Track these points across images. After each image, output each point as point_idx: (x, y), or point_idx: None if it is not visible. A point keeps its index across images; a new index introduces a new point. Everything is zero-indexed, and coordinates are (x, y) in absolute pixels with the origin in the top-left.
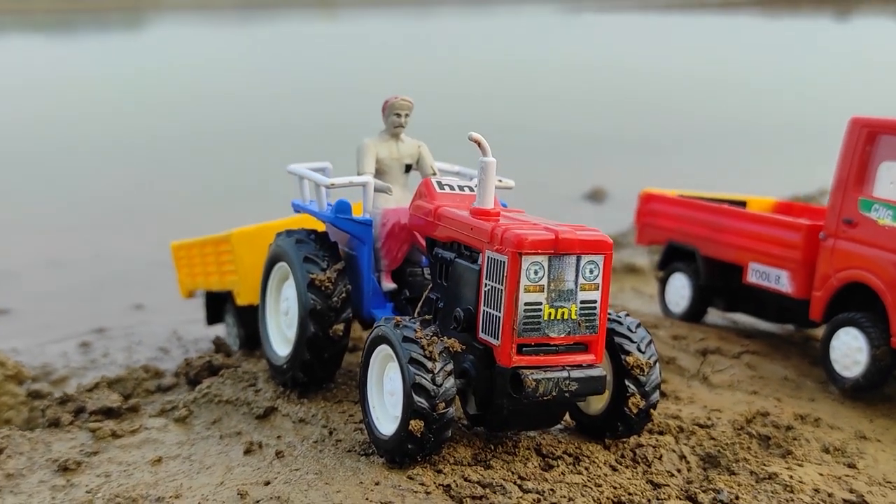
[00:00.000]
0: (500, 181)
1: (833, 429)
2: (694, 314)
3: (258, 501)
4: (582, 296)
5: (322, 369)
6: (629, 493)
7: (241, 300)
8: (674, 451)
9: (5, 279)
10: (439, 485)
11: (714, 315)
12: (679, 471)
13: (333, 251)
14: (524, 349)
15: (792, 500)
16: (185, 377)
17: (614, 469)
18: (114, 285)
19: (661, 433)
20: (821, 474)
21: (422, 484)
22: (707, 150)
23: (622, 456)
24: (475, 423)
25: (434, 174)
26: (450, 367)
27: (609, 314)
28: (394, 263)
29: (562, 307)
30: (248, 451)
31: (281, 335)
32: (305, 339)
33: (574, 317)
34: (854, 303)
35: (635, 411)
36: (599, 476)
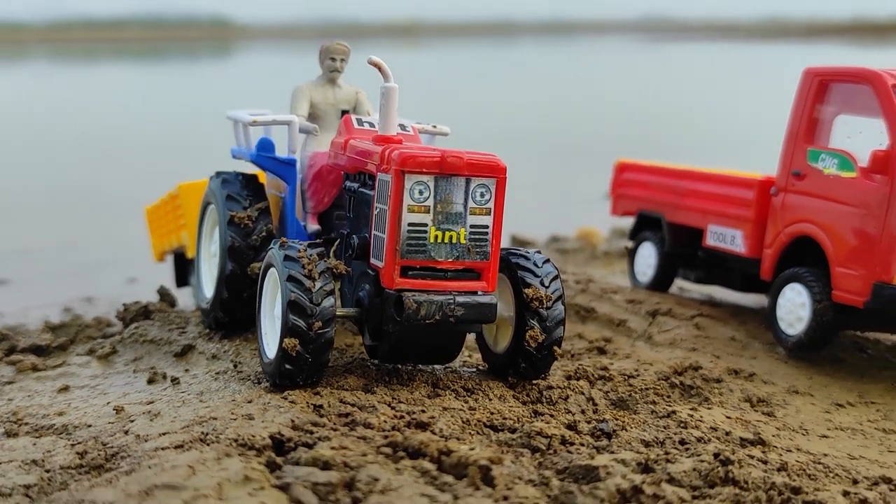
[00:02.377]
0: (435, 126)
1: (766, 384)
2: (660, 283)
3: (131, 415)
4: (472, 220)
5: (241, 309)
6: (503, 418)
7: (190, 253)
8: (583, 394)
9: (17, 255)
10: (310, 403)
11: (685, 287)
12: (583, 411)
13: (258, 192)
14: (409, 272)
15: (680, 434)
16: (121, 321)
17: (503, 401)
18: (114, 264)
19: (577, 378)
20: (728, 417)
21: (292, 402)
22: None
23: (523, 393)
24: (371, 355)
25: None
26: (330, 286)
27: (517, 249)
28: (319, 206)
29: (449, 230)
30: (150, 381)
31: (210, 278)
32: (224, 276)
33: (463, 241)
34: (806, 261)
35: (534, 345)
36: (482, 405)
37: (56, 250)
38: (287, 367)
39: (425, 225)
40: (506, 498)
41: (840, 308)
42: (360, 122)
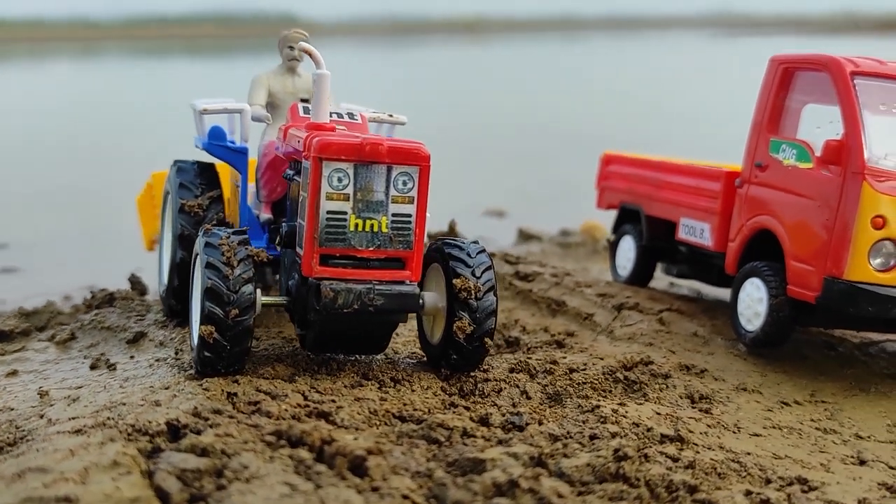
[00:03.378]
0: (391, 115)
1: (716, 380)
2: (638, 278)
3: (52, 400)
4: (394, 208)
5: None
6: (414, 409)
7: (146, 244)
8: (518, 387)
9: (29, 246)
10: (224, 391)
11: (676, 282)
12: (514, 404)
13: (213, 180)
14: (330, 261)
15: (595, 429)
16: (87, 307)
17: (429, 392)
18: (132, 257)
19: (519, 371)
20: (658, 413)
21: (205, 389)
22: None
23: (452, 385)
24: (302, 345)
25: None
26: (249, 274)
27: (452, 239)
28: (272, 195)
29: (370, 219)
30: (92, 367)
31: (167, 266)
32: (175, 264)
33: (385, 230)
34: (768, 255)
35: (462, 336)
36: (398, 396)
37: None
38: (206, 354)
39: (344, 213)
40: (375, 489)
41: (797, 304)
42: (306, 109)
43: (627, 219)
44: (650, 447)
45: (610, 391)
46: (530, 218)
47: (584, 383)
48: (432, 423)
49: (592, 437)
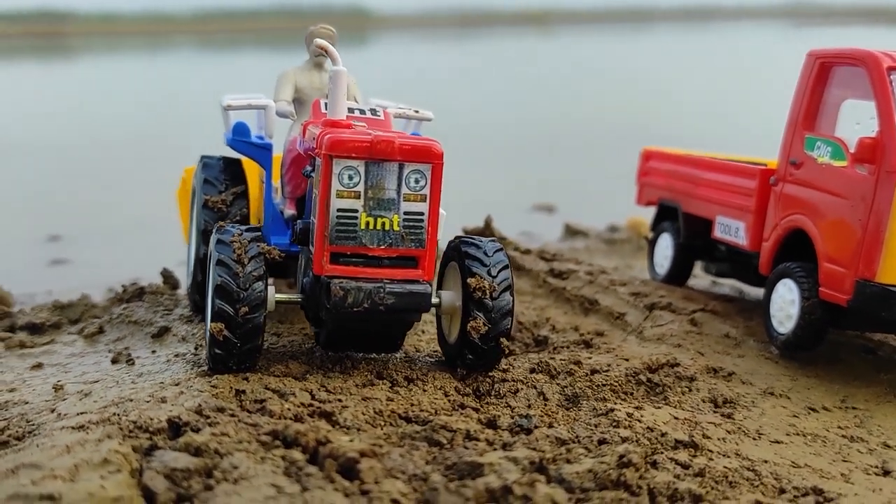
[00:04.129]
0: (417, 111)
1: (744, 384)
2: (676, 276)
3: (66, 394)
4: (406, 206)
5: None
6: (421, 410)
7: (185, 238)
8: (535, 388)
9: (83, 238)
10: (233, 388)
11: (719, 282)
12: (530, 406)
13: (238, 176)
14: (340, 259)
15: (606, 433)
16: (117, 301)
17: (442, 392)
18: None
19: (539, 372)
20: (676, 418)
21: (214, 386)
22: None
23: (469, 385)
24: (317, 342)
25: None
26: (260, 271)
27: (470, 237)
28: (297, 191)
29: (382, 217)
30: (114, 361)
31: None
32: (198, 259)
33: (396, 228)
34: (803, 256)
35: (476, 336)
36: (408, 396)
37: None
38: (217, 351)
39: (355, 211)
40: (365, 492)
41: (830, 307)
42: (328, 106)
43: (666, 216)
44: (661, 453)
45: (631, 394)
46: (579, 213)
47: (604, 385)
48: (436, 425)
49: (601, 442)
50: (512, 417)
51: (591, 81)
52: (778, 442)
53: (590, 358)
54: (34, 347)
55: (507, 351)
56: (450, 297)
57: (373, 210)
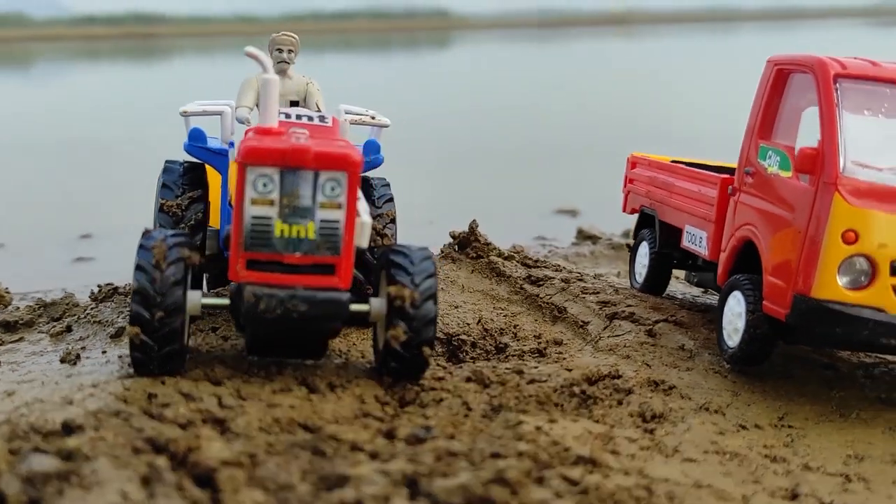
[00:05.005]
0: (374, 118)
1: (682, 398)
2: (653, 285)
3: None
4: (321, 214)
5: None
6: (320, 418)
7: None
8: (461, 398)
9: (112, 237)
10: (147, 392)
11: (697, 291)
12: (454, 414)
13: (197, 181)
14: (256, 265)
15: (504, 446)
16: (92, 300)
17: (360, 401)
18: None
19: (473, 381)
20: (589, 432)
21: (127, 389)
22: None
23: (395, 394)
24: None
25: (318, 111)
26: (178, 277)
27: (401, 246)
28: None
29: (297, 224)
30: (62, 360)
31: None
32: None
33: (312, 236)
34: (756, 268)
35: (395, 345)
36: (318, 404)
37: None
38: (136, 355)
39: (269, 218)
40: (216, 501)
41: (775, 321)
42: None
43: (645, 224)
44: (554, 469)
45: (560, 406)
46: (601, 218)
47: (531, 396)
48: (324, 435)
49: (494, 456)
50: (413, 429)
51: (664, 84)
52: (691, 460)
53: (535, 367)
54: (2, 345)
55: (430, 360)
56: (379, 304)
57: (288, 217)
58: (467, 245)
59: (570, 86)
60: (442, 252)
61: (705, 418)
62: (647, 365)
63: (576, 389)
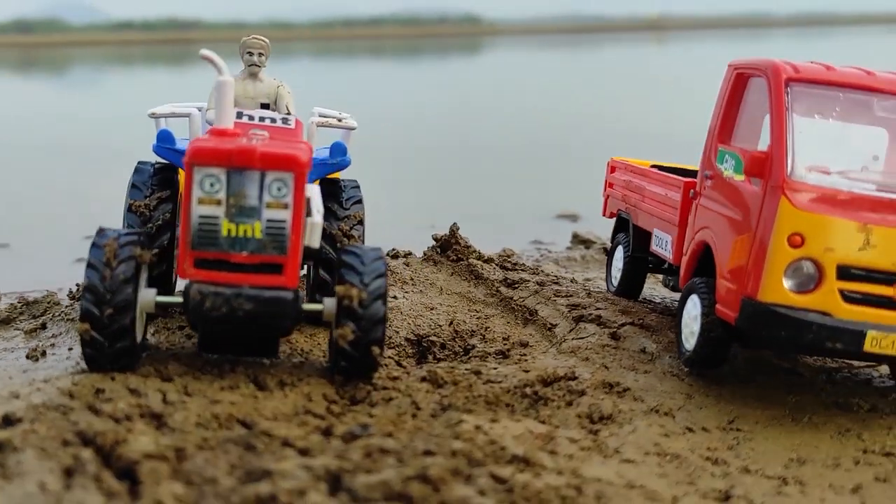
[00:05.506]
0: (340, 120)
1: (634, 400)
2: (628, 289)
3: None
4: (268, 214)
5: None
6: (260, 415)
7: None
8: (411, 397)
9: None
10: (95, 387)
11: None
12: (401, 413)
13: (167, 182)
14: (204, 264)
15: (438, 445)
16: (71, 299)
17: (307, 399)
18: None
19: (426, 381)
20: (531, 432)
21: (75, 384)
22: None
23: (346, 392)
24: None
25: (288, 114)
26: (128, 275)
27: (353, 247)
28: None
29: (243, 224)
30: (28, 357)
31: None
32: None
33: (259, 235)
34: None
35: (342, 344)
36: (262, 401)
37: None
38: (87, 350)
39: (217, 217)
40: (133, 493)
41: (730, 324)
42: (240, 115)
43: (621, 227)
44: (483, 467)
45: (510, 406)
46: (600, 222)
47: (481, 397)
48: (257, 431)
49: (426, 453)
50: (351, 427)
51: (689, 90)
52: (629, 461)
53: (494, 368)
54: None
55: (379, 360)
56: (331, 304)
57: (235, 217)
58: (448, 248)
59: (593, 91)
60: (424, 255)
61: (653, 420)
62: (606, 367)
63: (528, 390)
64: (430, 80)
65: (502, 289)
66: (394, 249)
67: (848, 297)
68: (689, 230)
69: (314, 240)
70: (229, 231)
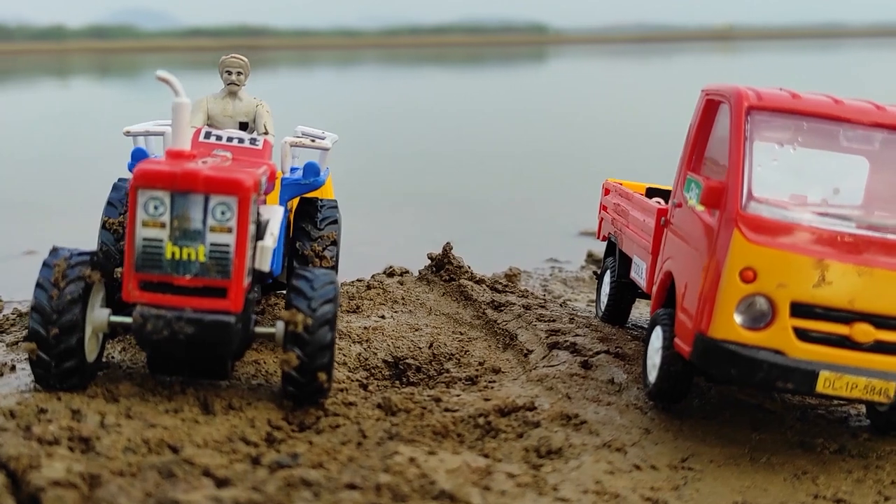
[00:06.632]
0: (313, 140)
1: (590, 434)
2: (614, 315)
3: None
4: (212, 238)
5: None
6: (190, 442)
7: None
8: (358, 425)
9: None
10: (39, 406)
11: None
12: (345, 442)
13: None
14: (148, 286)
15: (364, 479)
16: None
17: (250, 425)
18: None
19: (380, 408)
20: (468, 465)
21: (19, 403)
22: None
23: (295, 418)
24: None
25: (266, 133)
26: (74, 295)
27: (305, 270)
28: None
29: (187, 247)
30: None
31: None
32: None
33: (203, 259)
34: None
35: (286, 370)
36: (201, 426)
37: None
38: (36, 370)
39: (160, 240)
40: None
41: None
42: (207, 135)
43: (611, 252)
44: (405, 503)
45: (460, 436)
46: None
47: (429, 426)
48: (180, 459)
49: (348, 486)
50: (279, 452)
51: None
52: (564, 500)
53: (457, 395)
54: None
55: (325, 386)
56: (282, 328)
57: (178, 240)
58: (442, 268)
59: (654, 102)
60: (420, 274)
61: (602, 456)
62: (569, 397)
63: (482, 420)
64: (491, 88)
65: (488, 311)
66: (390, 267)
67: (802, 335)
68: (660, 259)
69: (264, 263)
70: (173, 254)
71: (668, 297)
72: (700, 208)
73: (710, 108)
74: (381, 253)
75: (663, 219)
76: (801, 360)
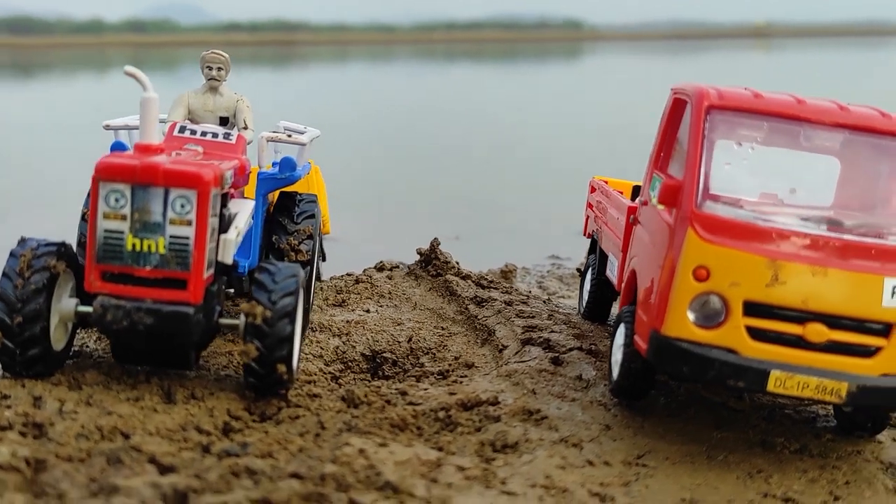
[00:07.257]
0: (290, 135)
1: (549, 429)
2: (594, 312)
3: None
4: (171, 230)
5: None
6: (143, 430)
7: None
8: (318, 417)
9: None
10: (1, 392)
11: None
12: (304, 433)
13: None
14: (109, 277)
15: (313, 468)
16: None
17: (209, 415)
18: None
19: (343, 401)
20: (419, 458)
21: None
22: None
23: (256, 408)
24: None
25: (245, 128)
26: (38, 285)
27: (270, 263)
28: None
29: (147, 239)
30: None
31: None
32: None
33: (163, 251)
34: None
35: (245, 360)
36: (146, 414)
37: None
38: (3, 358)
39: (121, 232)
40: None
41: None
42: (182, 129)
43: (593, 249)
44: (345, 493)
45: (419, 429)
46: None
47: (387, 419)
48: (128, 446)
49: (292, 475)
50: (232, 441)
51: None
52: (510, 493)
53: (425, 389)
54: None
55: (285, 377)
56: (244, 319)
57: (139, 232)
58: (429, 263)
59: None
60: (409, 268)
61: (557, 451)
62: (534, 393)
63: (442, 414)
64: (523, 85)
65: (471, 306)
66: (380, 262)
67: (756, 335)
68: (628, 257)
69: (227, 256)
70: (134, 245)
71: (633, 294)
72: (661, 206)
73: (677, 106)
74: (382, 250)
75: (632, 217)
76: (753, 359)
